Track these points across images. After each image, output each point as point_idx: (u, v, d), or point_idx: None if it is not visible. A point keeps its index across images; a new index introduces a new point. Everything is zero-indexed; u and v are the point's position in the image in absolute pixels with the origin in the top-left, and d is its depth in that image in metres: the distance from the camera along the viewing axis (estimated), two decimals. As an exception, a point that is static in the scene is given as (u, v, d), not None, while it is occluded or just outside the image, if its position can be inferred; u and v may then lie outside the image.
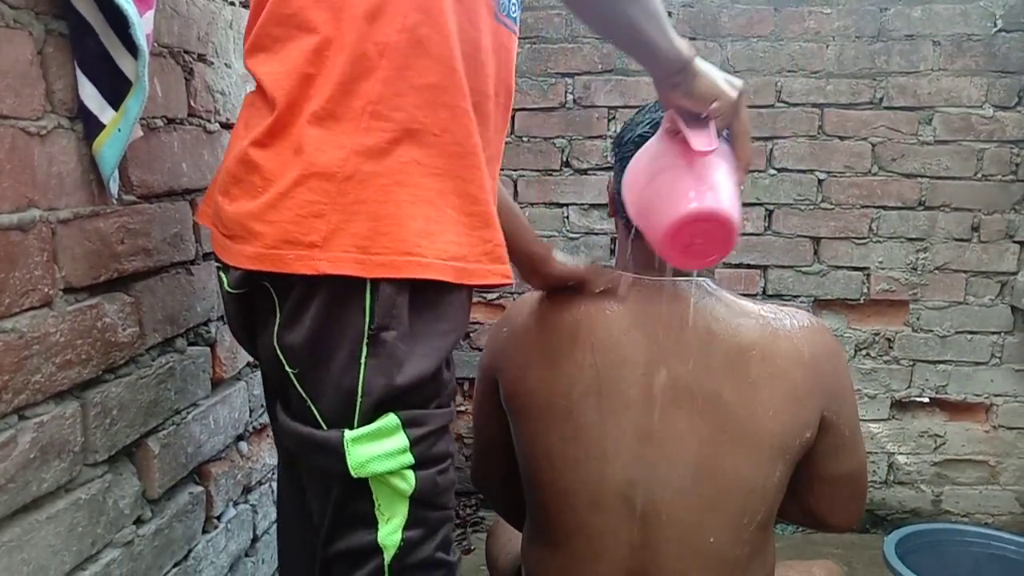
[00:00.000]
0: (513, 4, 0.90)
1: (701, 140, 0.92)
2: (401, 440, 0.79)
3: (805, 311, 1.13)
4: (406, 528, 0.81)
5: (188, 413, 1.09)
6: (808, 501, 1.15)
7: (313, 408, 0.80)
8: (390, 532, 0.81)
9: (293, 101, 0.77)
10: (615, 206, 1.12)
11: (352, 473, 0.78)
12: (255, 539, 1.31)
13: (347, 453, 0.78)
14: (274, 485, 1.39)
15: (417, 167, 0.78)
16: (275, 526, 1.44)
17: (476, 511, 2.36)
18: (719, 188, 0.92)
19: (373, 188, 0.76)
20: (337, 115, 0.77)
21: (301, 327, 0.78)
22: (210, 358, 1.16)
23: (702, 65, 0.93)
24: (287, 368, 0.81)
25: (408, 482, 0.80)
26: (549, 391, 1.07)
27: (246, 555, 1.29)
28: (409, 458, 0.80)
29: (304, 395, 0.81)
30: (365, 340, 0.77)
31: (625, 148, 1.10)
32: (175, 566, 1.06)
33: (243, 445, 1.28)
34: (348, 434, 0.78)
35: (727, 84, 0.95)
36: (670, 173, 0.95)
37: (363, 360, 0.78)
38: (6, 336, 0.75)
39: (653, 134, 1.03)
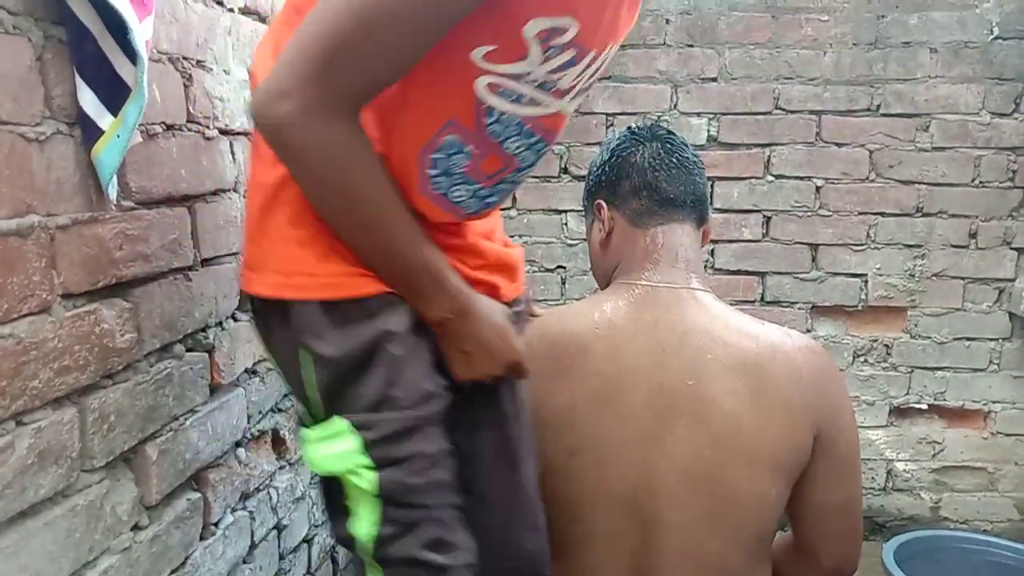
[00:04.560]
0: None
1: None
2: (351, 442, 0.81)
3: (805, 335, 1.13)
4: (380, 524, 0.82)
5: (186, 419, 1.09)
6: (799, 531, 1.13)
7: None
8: (363, 525, 0.83)
9: None
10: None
11: (311, 468, 0.87)
12: (253, 546, 1.31)
13: (306, 450, 0.86)
14: (272, 492, 1.38)
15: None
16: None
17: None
18: None
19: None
20: None
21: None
22: (208, 364, 1.16)
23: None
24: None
25: (367, 481, 0.81)
26: (555, 402, 1.06)
27: (244, 562, 1.29)
28: (363, 459, 0.81)
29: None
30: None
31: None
32: (172, 573, 1.06)
33: (241, 452, 1.27)
34: (305, 433, 0.86)
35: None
36: None
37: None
38: (4, 342, 0.74)
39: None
